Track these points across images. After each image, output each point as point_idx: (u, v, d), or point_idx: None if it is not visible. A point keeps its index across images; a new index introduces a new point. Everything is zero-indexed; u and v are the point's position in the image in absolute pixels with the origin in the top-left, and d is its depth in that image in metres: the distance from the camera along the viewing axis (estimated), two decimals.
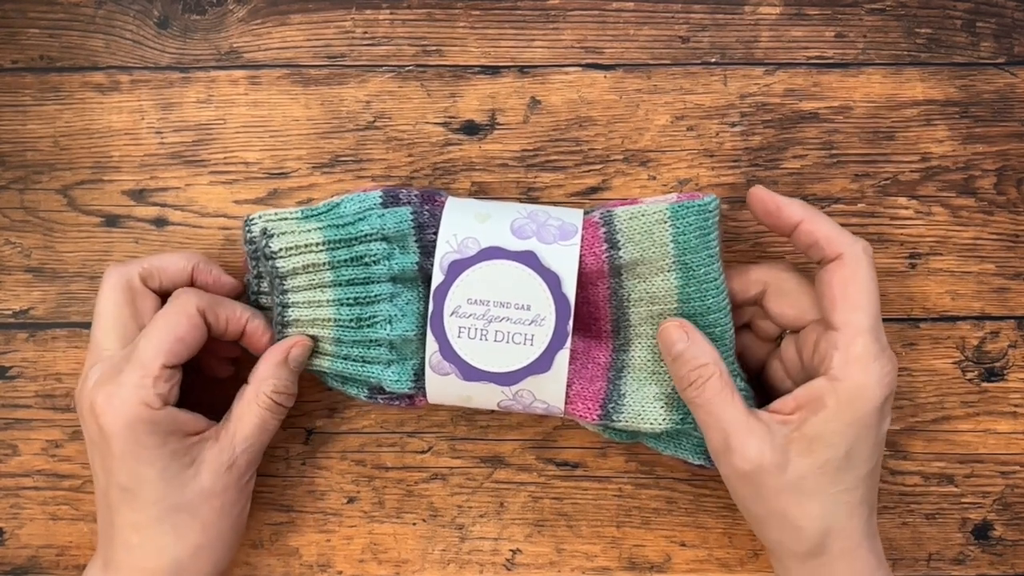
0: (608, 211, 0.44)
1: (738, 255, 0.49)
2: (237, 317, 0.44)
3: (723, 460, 0.42)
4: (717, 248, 0.43)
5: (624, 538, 0.49)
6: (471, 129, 0.49)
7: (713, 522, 0.49)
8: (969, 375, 0.49)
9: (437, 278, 0.43)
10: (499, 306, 0.42)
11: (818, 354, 0.42)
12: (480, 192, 0.49)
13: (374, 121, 0.49)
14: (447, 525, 0.49)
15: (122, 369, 0.42)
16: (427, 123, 0.49)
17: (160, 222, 0.49)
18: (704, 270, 0.43)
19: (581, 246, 0.43)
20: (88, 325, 0.49)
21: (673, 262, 0.43)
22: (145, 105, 0.49)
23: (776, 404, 0.42)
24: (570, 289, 0.42)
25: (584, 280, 0.44)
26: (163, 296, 0.45)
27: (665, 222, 0.42)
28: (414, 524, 0.49)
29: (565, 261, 0.42)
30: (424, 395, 0.45)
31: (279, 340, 0.44)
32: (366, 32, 0.49)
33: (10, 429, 0.49)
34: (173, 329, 0.42)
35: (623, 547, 0.49)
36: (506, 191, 0.49)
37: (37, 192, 0.49)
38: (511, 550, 0.49)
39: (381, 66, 0.49)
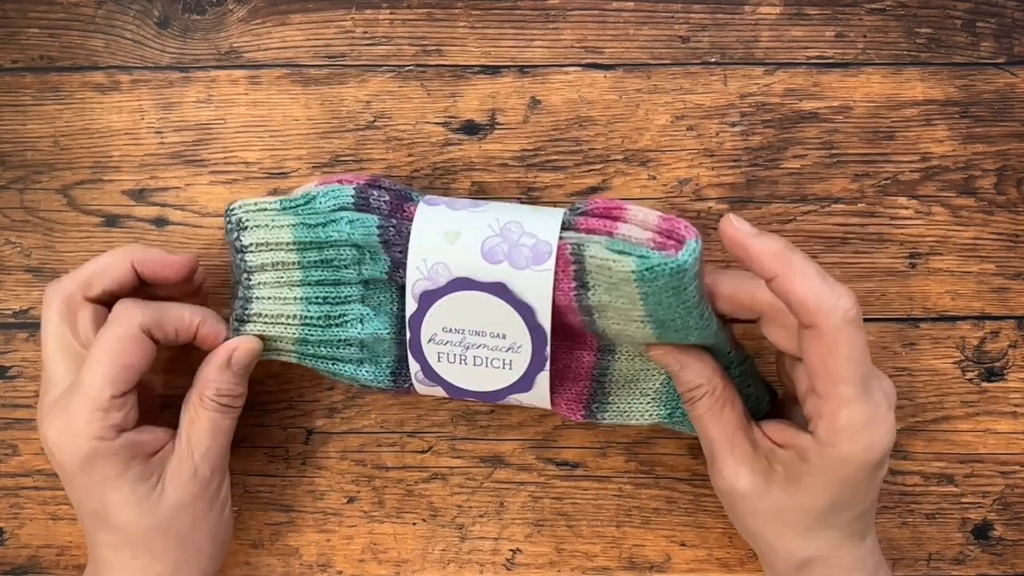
0: (579, 247, 0.40)
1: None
2: (187, 324, 0.42)
3: (712, 474, 0.42)
4: (695, 297, 0.39)
5: (624, 538, 0.49)
6: (471, 129, 0.49)
7: (713, 522, 0.49)
8: (969, 375, 0.49)
9: (411, 306, 0.42)
10: (474, 334, 0.42)
11: (808, 406, 0.40)
12: (480, 192, 0.49)
13: (374, 121, 0.49)
14: (447, 525, 0.49)
15: (70, 403, 0.40)
16: (427, 123, 0.49)
17: (160, 222, 0.49)
18: (680, 322, 0.39)
19: (555, 275, 0.40)
20: None
21: (646, 315, 0.39)
22: (145, 105, 0.49)
23: (771, 427, 0.42)
24: (545, 319, 0.41)
25: (556, 309, 0.41)
26: (110, 303, 0.43)
27: (632, 282, 0.38)
28: (414, 524, 0.49)
29: (538, 289, 0.40)
30: (414, 388, 0.45)
31: (233, 336, 0.43)
32: (366, 32, 0.49)
33: (10, 429, 0.49)
34: (118, 357, 0.40)
35: (623, 547, 0.49)
36: (506, 191, 0.49)
37: (37, 192, 0.49)
38: (511, 550, 0.49)
39: (381, 66, 0.49)
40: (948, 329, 0.49)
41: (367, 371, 0.44)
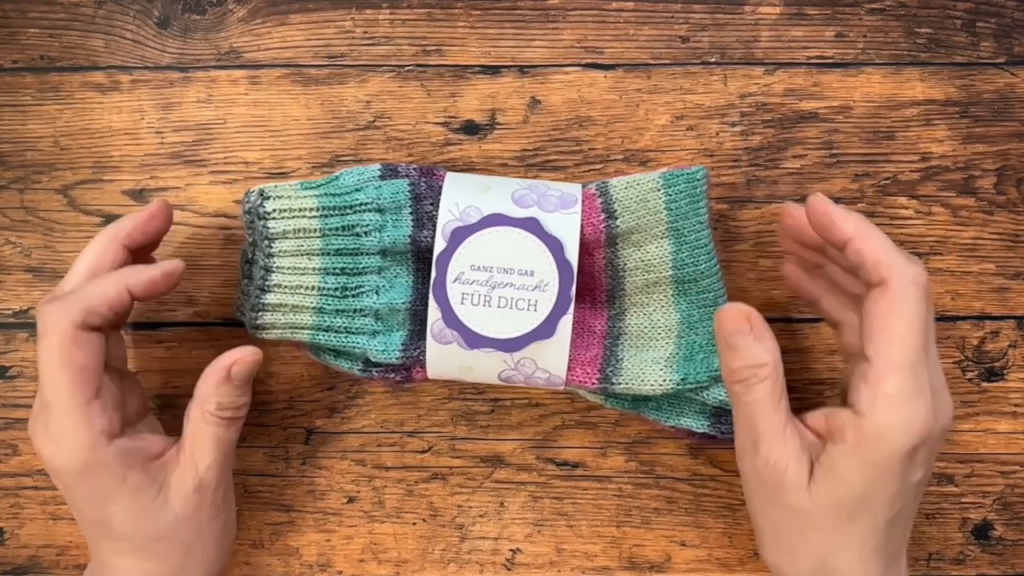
0: (604, 182, 0.45)
1: (738, 254, 0.49)
2: (115, 295, 0.40)
3: (746, 458, 0.40)
4: (706, 216, 0.44)
5: (624, 538, 0.49)
6: (471, 129, 0.49)
7: (713, 522, 0.49)
8: (969, 375, 0.49)
9: (439, 245, 0.43)
10: (502, 272, 0.43)
11: (854, 378, 0.38)
12: None
13: (374, 121, 0.49)
14: (447, 525, 0.49)
15: (48, 422, 0.39)
16: (427, 123, 0.49)
17: None
18: (695, 236, 0.44)
19: (581, 215, 0.44)
20: None
21: (666, 229, 0.44)
22: (145, 105, 0.49)
23: (810, 417, 0.40)
24: (573, 255, 0.43)
25: (581, 250, 0.44)
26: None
27: (658, 190, 0.44)
28: (414, 524, 0.49)
29: (567, 228, 0.43)
30: (421, 367, 0.45)
31: (254, 305, 0.42)
32: (366, 32, 0.49)
33: (10, 429, 0.49)
34: (69, 364, 0.39)
35: (623, 547, 0.49)
36: None
37: (37, 192, 0.49)
38: (511, 550, 0.49)
39: (381, 66, 0.49)
40: (948, 329, 0.49)
41: (379, 343, 0.44)
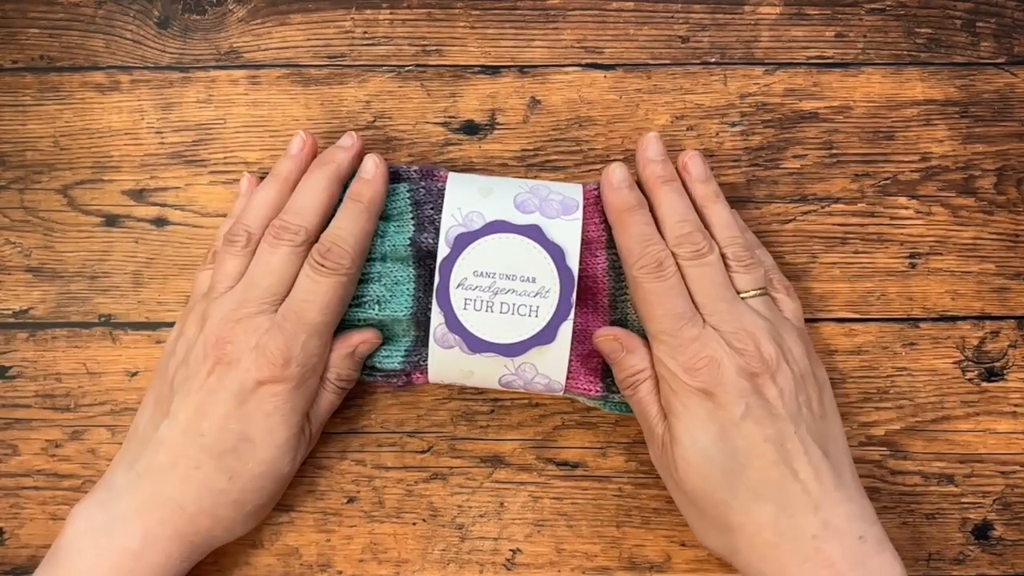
0: None
1: None
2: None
3: (652, 451, 0.45)
4: None
5: (624, 538, 0.49)
6: (471, 129, 0.49)
7: None
8: (969, 375, 0.49)
9: (443, 251, 0.43)
10: (505, 278, 0.43)
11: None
12: None
13: (374, 121, 0.49)
14: (447, 525, 0.49)
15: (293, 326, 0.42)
16: (427, 123, 0.49)
17: (160, 222, 0.49)
18: None
19: (583, 219, 0.44)
20: (87, 325, 0.49)
21: None
22: (145, 105, 0.49)
23: None
24: (574, 262, 0.43)
25: (584, 251, 0.45)
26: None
27: None
28: (414, 524, 0.49)
29: (568, 235, 0.43)
30: (421, 372, 0.45)
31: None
32: (366, 32, 0.49)
33: (10, 429, 0.49)
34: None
35: (623, 547, 0.49)
36: None
37: (37, 192, 0.49)
38: (511, 550, 0.49)
39: (381, 66, 0.49)
40: (948, 329, 0.49)
41: (384, 351, 0.45)
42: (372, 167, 0.44)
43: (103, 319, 0.49)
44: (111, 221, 0.49)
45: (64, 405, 0.49)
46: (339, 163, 0.44)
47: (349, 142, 0.45)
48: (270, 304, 0.43)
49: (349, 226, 0.43)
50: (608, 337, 0.44)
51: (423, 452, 0.49)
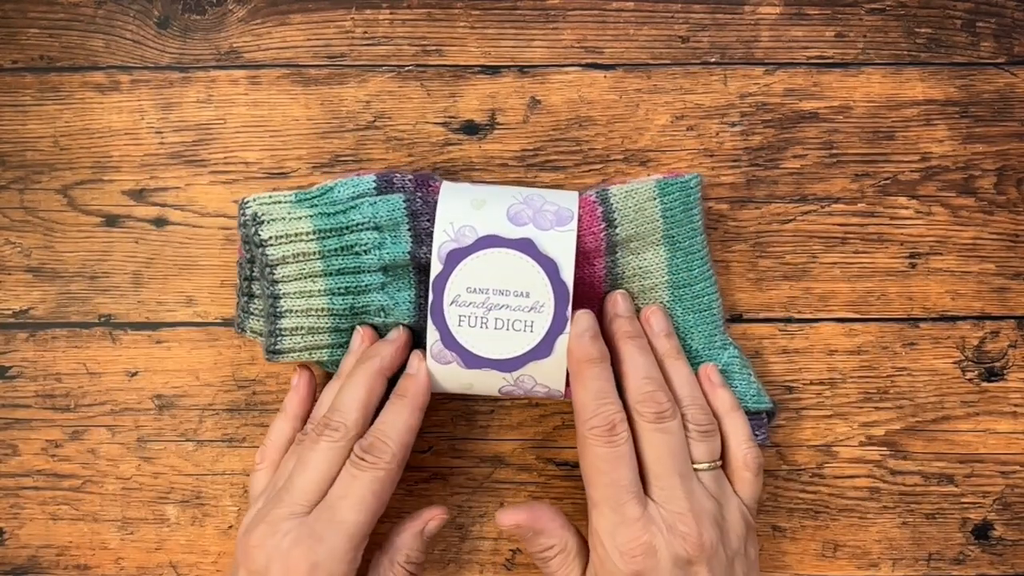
0: (603, 190, 0.45)
1: (737, 254, 0.49)
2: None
3: None
4: (700, 222, 0.46)
5: None
6: (471, 129, 0.49)
7: None
8: (969, 375, 0.49)
9: (436, 268, 0.43)
10: (498, 294, 0.43)
11: None
12: None
13: (374, 121, 0.49)
14: (447, 525, 0.49)
15: (324, 533, 0.41)
16: (427, 123, 0.49)
17: (160, 222, 0.49)
18: (689, 242, 0.46)
19: (579, 227, 0.44)
20: (87, 325, 0.49)
21: (661, 236, 0.45)
22: (145, 105, 0.49)
23: None
24: (568, 275, 0.43)
25: (581, 260, 0.45)
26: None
27: (654, 198, 0.45)
28: None
29: (562, 247, 0.43)
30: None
31: (271, 331, 0.44)
32: (366, 32, 0.49)
33: (10, 429, 0.49)
34: (379, 499, 0.42)
35: None
36: None
37: (37, 192, 0.49)
38: (511, 550, 0.49)
39: (381, 66, 0.49)
40: (948, 329, 0.49)
41: None
42: (416, 363, 0.44)
43: (103, 319, 0.49)
44: (111, 221, 0.49)
45: (64, 405, 0.49)
46: (383, 357, 0.44)
47: (395, 335, 0.45)
48: (302, 506, 0.41)
49: (392, 420, 0.43)
50: (511, 526, 0.44)
51: (423, 452, 0.49)
